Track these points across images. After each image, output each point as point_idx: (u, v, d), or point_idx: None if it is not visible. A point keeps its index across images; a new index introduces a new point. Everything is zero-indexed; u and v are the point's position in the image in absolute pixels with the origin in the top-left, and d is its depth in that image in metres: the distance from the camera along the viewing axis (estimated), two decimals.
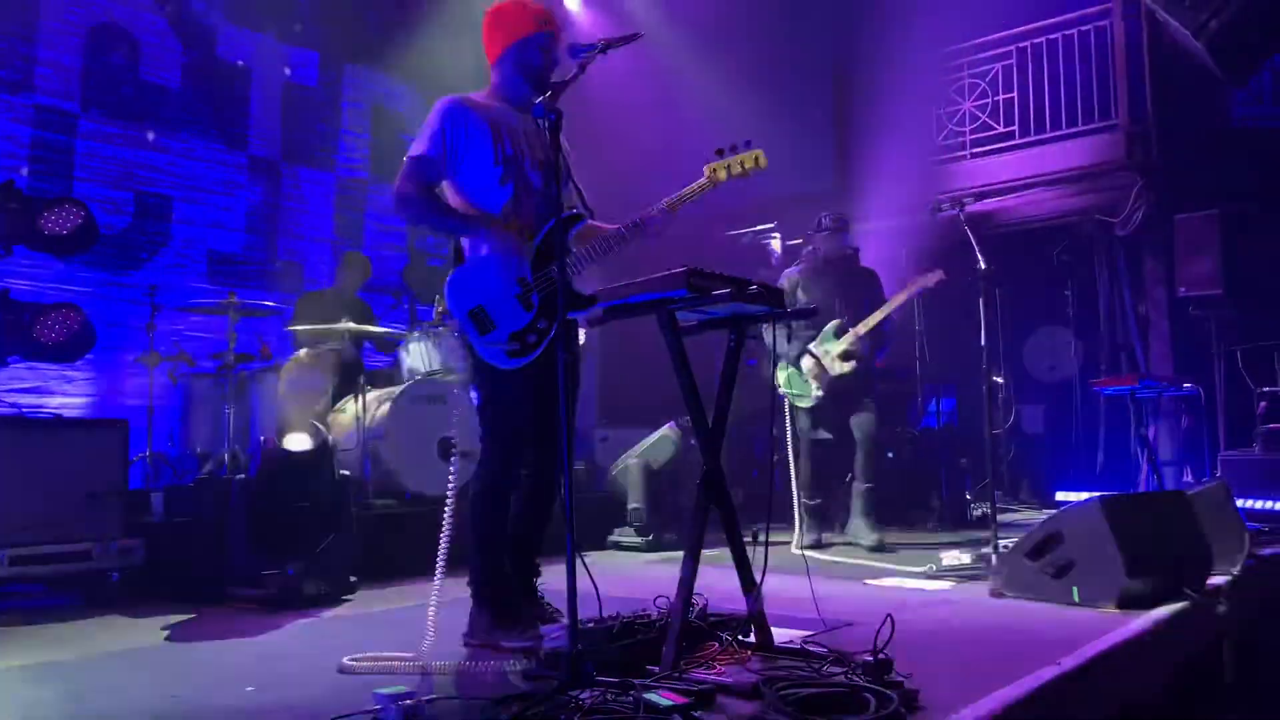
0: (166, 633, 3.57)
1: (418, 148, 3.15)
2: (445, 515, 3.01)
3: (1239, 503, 4.63)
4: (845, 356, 5.50)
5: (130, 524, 4.33)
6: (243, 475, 4.53)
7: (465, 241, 3.16)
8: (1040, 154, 8.52)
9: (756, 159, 3.00)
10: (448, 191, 3.23)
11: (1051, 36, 8.60)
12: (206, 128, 6.91)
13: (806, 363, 5.62)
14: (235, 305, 5.11)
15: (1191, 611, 3.52)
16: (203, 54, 6.93)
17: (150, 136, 6.60)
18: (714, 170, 3.04)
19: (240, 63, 7.16)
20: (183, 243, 6.75)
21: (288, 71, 7.44)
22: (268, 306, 5.36)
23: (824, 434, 5.69)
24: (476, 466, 3.19)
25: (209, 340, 5.99)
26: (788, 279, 5.75)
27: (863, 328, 5.49)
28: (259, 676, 2.84)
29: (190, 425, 5.45)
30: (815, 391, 5.57)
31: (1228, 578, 3.99)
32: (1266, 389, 7.15)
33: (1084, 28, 8.43)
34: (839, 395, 5.58)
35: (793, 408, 5.70)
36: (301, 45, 7.54)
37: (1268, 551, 4.72)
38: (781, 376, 5.64)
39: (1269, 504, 5.90)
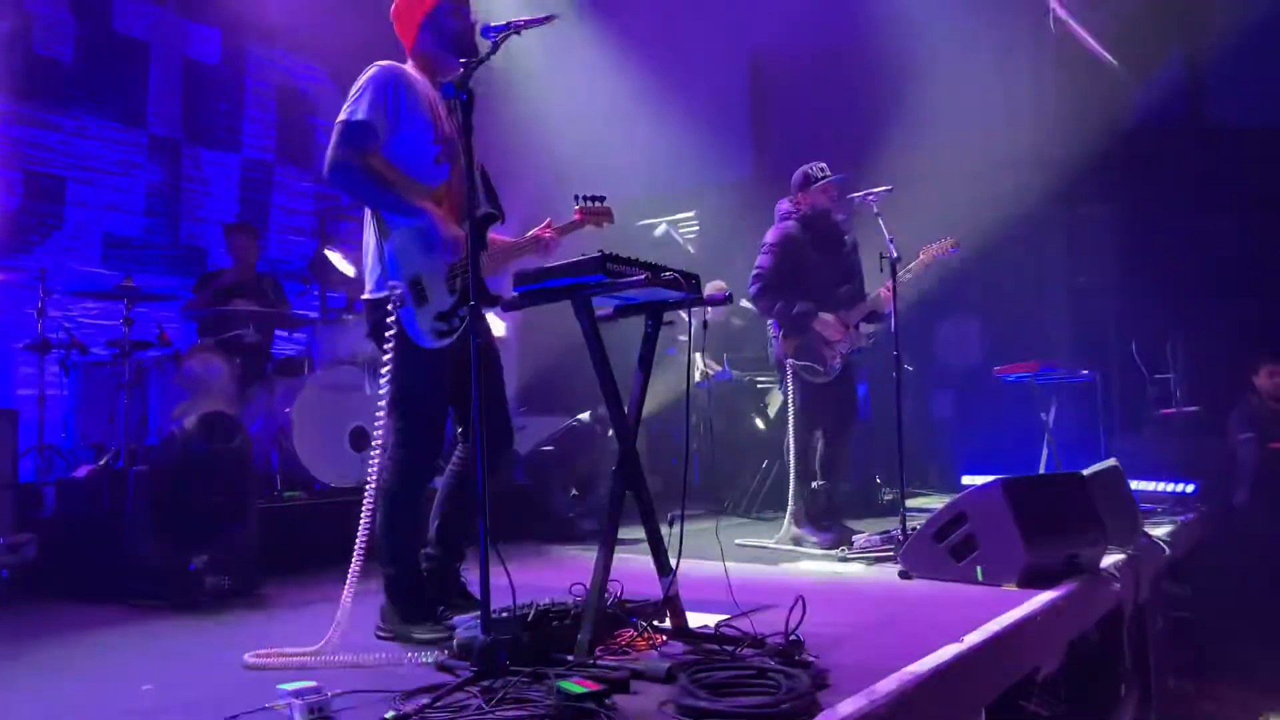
0: (60, 632, 3.40)
1: (356, 113, 3.00)
2: (365, 506, 2.91)
3: (1132, 484, 4.83)
4: (871, 317, 5.14)
5: (21, 519, 4.12)
6: (143, 467, 4.34)
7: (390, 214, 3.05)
8: None
9: (608, 213, 3.47)
10: (377, 163, 3.07)
11: None
12: (102, 105, 6.60)
13: (826, 327, 5.06)
14: (131, 290, 4.90)
15: (1088, 588, 3.66)
16: (98, 27, 6.61)
17: (41, 114, 6.27)
18: (581, 213, 3.42)
19: (138, 37, 6.86)
20: (76, 225, 6.44)
21: (188, 49, 7.15)
22: (166, 292, 5.15)
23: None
24: (389, 456, 3.09)
25: (104, 328, 5.73)
26: (783, 234, 5.15)
27: (910, 272, 4.92)
28: (157, 675, 2.73)
29: (84, 416, 5.21)
30: (836, 362, 5.12)
31: (1123, 556, 4.16)
32: (1158, 376, 7.49)
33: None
34: (848, 369, 5.22)
35: (802, 383, 5.10)
36: (202, 21, 7.25)
37: (1159, 531, 4.94)
38: (791, 345, 5.13)
39: (1160, 486, 6.17)
